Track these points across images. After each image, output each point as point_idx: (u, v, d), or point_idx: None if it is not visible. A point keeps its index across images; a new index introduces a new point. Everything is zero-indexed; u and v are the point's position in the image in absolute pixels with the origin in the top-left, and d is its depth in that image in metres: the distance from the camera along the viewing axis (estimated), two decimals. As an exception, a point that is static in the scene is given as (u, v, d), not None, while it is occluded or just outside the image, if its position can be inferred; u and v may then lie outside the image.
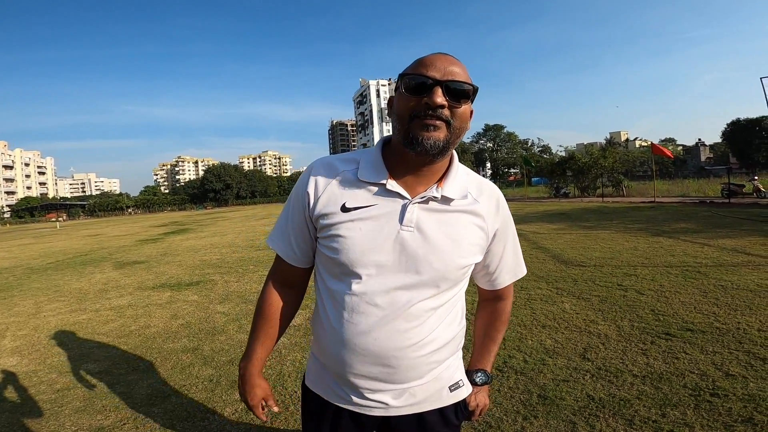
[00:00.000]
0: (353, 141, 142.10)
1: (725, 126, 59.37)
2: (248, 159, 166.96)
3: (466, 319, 1.00)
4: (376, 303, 0.82)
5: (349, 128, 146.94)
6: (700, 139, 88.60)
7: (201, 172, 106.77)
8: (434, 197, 0.84)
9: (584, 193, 25.20)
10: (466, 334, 1.02)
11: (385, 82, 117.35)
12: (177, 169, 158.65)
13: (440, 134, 0.78)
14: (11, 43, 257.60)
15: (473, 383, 1.02)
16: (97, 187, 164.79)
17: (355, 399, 0.89)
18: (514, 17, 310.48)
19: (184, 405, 2.60)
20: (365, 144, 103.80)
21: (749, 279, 4.53)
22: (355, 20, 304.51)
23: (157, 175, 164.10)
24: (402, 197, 0.83)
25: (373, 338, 0.82)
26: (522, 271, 1.03)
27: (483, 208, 0.89)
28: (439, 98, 0.76)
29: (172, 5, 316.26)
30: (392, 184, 0.83)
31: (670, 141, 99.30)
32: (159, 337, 3.90)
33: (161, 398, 2.69)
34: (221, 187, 78.34)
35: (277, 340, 1.02)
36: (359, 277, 0.82)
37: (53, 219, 56.27)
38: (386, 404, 0.88)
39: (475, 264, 0.93)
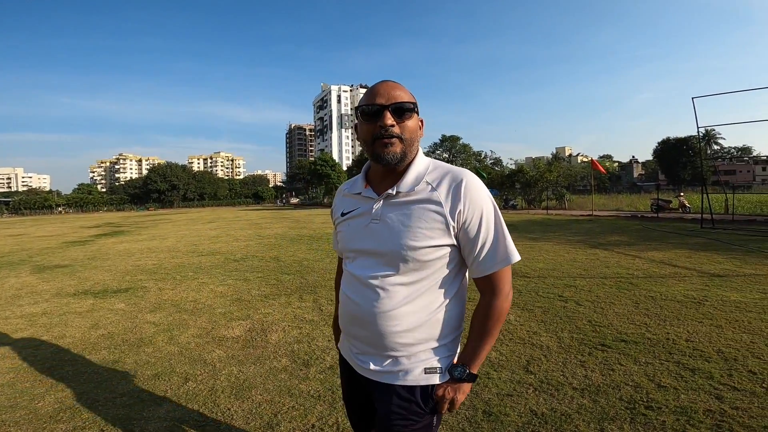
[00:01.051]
0: (311, 146, 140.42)
1: (656, 144, 64.89)
2: (198, 159, 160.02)
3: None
4: (357, 277, 1.07)
5: (308, 133, 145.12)
6: (633, 156, 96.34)
7: (144, 171, 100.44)
8: (390, 193, 1.05)
9: (531, 205, 26.42)
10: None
11: (347, 88, 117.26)
12: (117, 167, 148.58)
13: (396, 148, 1.01)
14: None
15: (451, 377, 1.07)
16: (25, 183, 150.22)
17: (353, 357, 1.14)
18: (476, 33, 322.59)
19: (96, 422, 2.35)
20: (323, 149, 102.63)
21: (676, 290, 4.83)
22: (321, 25, 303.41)
23: (94, 172, 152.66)
24: (371, 199, 1.08)
25: (355, 304, 1.08)
26: (511, 257, 1.03)
27: (441, 194, 1.02)
28: (389, 120, 0.99)
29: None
30: (367, 192, 1.10)
31: (608, 157, 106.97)
32: (74, 348, 3.58)
33: (70, 415, 2.46)
34: (166, 188, 74.06)
35: None
36: (350, 259, 1.13)
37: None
38: (368, 366, 1.08)
39: (456, 249, 1.05)
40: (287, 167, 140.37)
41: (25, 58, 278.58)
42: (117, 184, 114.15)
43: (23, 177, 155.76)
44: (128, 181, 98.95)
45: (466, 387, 1.07)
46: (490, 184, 30.63)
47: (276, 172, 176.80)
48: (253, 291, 5.53)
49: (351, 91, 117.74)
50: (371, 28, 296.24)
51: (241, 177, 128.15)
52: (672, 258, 7.08)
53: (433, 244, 1.00)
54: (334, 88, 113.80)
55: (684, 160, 57.43)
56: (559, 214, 20.82)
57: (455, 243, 1.03)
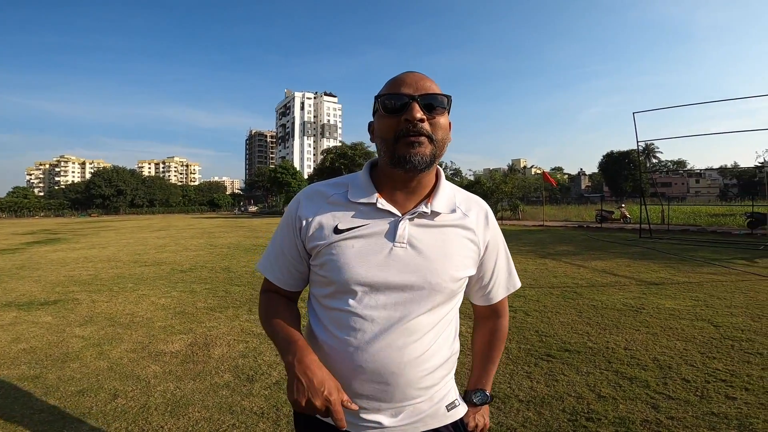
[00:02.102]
0: (272, 153, 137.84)
1: (601, 157, 69.17)
2: (149, 164, 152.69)
3: (460, 340, 1.00)
4: (372, 319, 0.82)
5: (269, 139, 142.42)
6: (581, 169, 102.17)
7: (89, 175, 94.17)
8: (424, 212, 0.86)
9: (487, 215, 27.25)
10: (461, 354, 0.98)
11: (312, 95, 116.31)
12: (58, 169, 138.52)
13: (426, 149, 0.81)
14: None
15: (471, 403, 1.02)
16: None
17: (350, 419, 0.84)
18: (442, 44, 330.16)
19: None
20: (284, 157, 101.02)
21: (616, 298, 5.08)
22: (287, 31, 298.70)
23: (31, 175, 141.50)
24: (393, 215, 0.85)
25: (370, 354, 0.81)
26: (515, 284, 1.02)
27: (473, 221, 0.91)
28: (418, 113, 0.79)
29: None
30: (382, 203, 0.86)
31: (559, 170, 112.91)
32: None
33: None
34: (112, 193, 69.71)
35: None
36: (355, 294, 0.83)
37: None
38: (381, 424, 0.85)
39: (470, 279, 0.94)
40: (246, 174, 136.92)
41: None
42: (57, 188, 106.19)
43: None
44: (69, 185, 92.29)
45: (487, 409, 1.06)
46: (448, 195, 31.37)
47: (234, 179, 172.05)
48: (198, 303, 5.24)
49: (315, 98, 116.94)
50: (338, 36, 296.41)
51: (197, 183, 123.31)
52: (613, 267, 7.48)
53: (469, 274, 0.91)
54: (298, 95, 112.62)
55: (626, 172, 61.55)
56: (513, 224, 21.59)
57: (474, 272, 0.94)
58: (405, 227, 0.85)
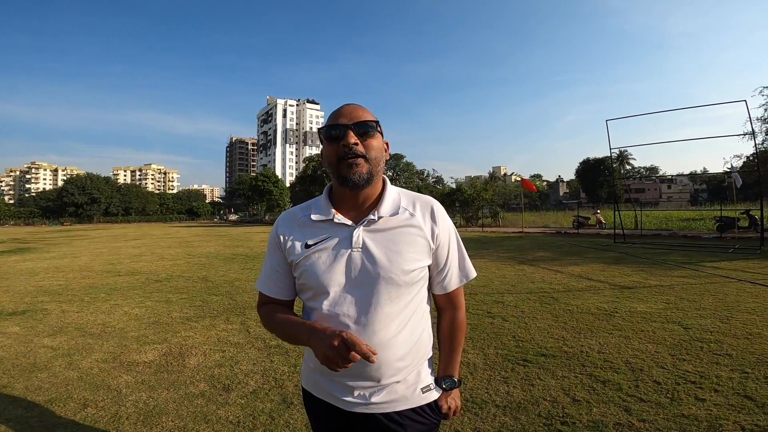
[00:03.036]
0: (253, 160, 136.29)
1: (578, 164, 70.91)
2: (125, 171, 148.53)
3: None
4: (343, 312, 0.99)
5: (250, 147, 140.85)
6: (560, 176, 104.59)
7: (61, 182, 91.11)
8: (372, 219, 1.03)
9: (468, 222, 27.47)
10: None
11: (294, 102, 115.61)
12: (29, 176, 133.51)
13: (362, 168, 0.98)
14: None
15: (442, 389, 1.14)
16: None
17: (342, 397, 1.04)
18: (422, 52, 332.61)
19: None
20: (265, 165, 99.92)
21: (591, 303, 5.20)
22: (267, 37, 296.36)
23: (1, 182, 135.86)
24: (347, 226, 1.03)
25: None
26: (470, 273, 1.15)
27: (418, 219, 1.05)
28: (352, 138, 0.98)
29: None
30: (338, 218, 1.04)
31: (538, 177, 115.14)
32: None
33: None
34: (85, 201, 67.49)
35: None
36: (328, 294, 1.00)
37: None
38: (367, 400, 1.02)
39: (428, 269, 1.09)
40: (227, 182, 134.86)
41: None
42: (27, 195, 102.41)
43: None
44: (41, 192, 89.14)
45: (458, 393, 1.19)
46: (430, 202, 31.55)
47: (214, 187, 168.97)
48: (173, 313, 5.12)
49: (298, 105, 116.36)
50: (319, 43, 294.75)
51: (175, 191, 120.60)
52: (588, 272, 7.65)
53: (420, 266, 1.03)
54: (280, 102, 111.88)
55: (601, 179, 63.27)
56: (493, 231, 21.86)
57: (430, 263, 1.08)
58: (359, 235, 1.02)
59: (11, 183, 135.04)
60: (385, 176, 1.10)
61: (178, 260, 10.91)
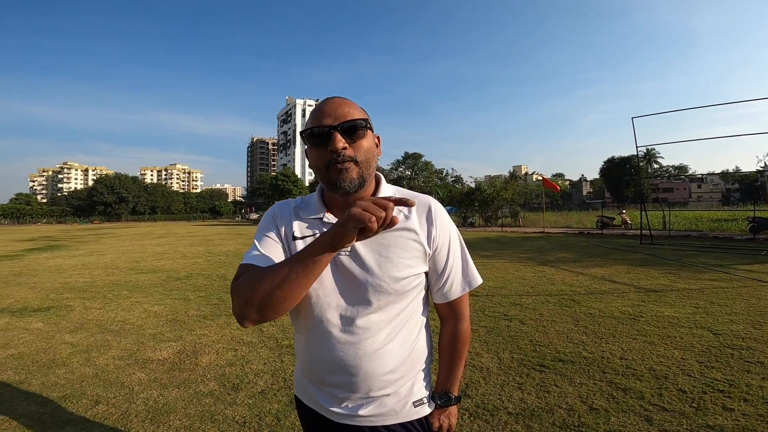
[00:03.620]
0: (274, 160, 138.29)
1: (603, 163, 69.02)
2: (152, 171, 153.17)
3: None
4: (327, 319, 0.92)
5: (270, 147, 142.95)
6: (583, 175, 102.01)
7: (91, 182, 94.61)
8: None
9: (487, 222, 27.10)
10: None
11: (313, 102, 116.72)
12: (61, 176, 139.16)
13: (352, 173, 0.89)
14: None
15: (436, 405, 1.05)
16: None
17: (329, 407, 0.97)
18: (439, 51, 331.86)
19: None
20: (286, 164, 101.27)
21: (614, 306, 5.00)
22: (284, 37, 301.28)
23: (34, 181, 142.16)
24: None
25: (330, 349, 0.92)
26: (475, 280, 1.04)
27: (413, 221, 0.96)
28: (339, 143, 0.87)
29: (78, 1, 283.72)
30: (328, 217, 0.96)
31: (560, 176, 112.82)
32: None
33: None
34: (114, 200, 69.97)
35: None
36: (311, 297, 0.92)
37: None
38: (354, 412, 0.95)
39: (426, 275, 1.00)
40: (248, 181, 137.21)
41: None
42: (60, 194, 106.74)
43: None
44: (72, 192, 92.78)
45: (455, 410, 1.09)
46: (449, 202, 31.30)
47: (236, 187, 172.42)
48: (191, 311, 5.19)
49: (317, 105, 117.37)
50: (336, 43, 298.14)
51: (198, 191, 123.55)
52: (612, 274, 7.39)
53: (413, 273, 0.95)
54: (299, 102, 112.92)
55: (627, 178, 61.31)
56: (513, 231, 21.48)
57: (427, 269, 0.99)
58: None
59: (44, 182, 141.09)
60: (379, 173, 1.02)
61: (198, 258, 11.12)
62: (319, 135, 0.89)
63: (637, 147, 13.43)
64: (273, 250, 0.95)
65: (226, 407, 2.63)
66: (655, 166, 72.42)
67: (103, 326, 4.55)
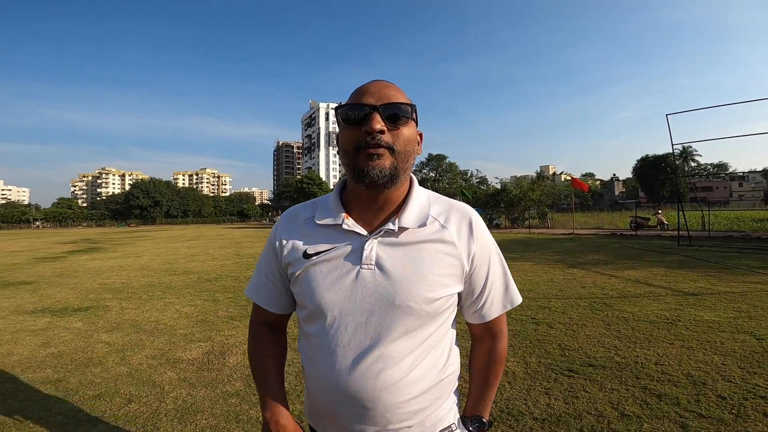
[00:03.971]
0: (299, 164, 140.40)
1: (636, 162, 66.51)
2: (184, 175, 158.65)
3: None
4: (343, 344, 0.80)
5: (296, 150, 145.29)
6: (615, 174, 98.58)
7: (128, 187, 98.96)
8: (391, 230, 0.82)
9: (514, 224, 26.59)
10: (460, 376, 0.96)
11: (336, 105, 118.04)
12: (100, 181, 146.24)
13: (385, 162, 0.77)
14: None
15: (468, 430, 0.95)
16: (4, 196, 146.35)
17: None
18: (463, 52, 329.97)
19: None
20: (310, 167, 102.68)
21: (649, 310, 4.80)
22: (306, 42, 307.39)
23: (75, 186, 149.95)
24: (359, 235, 0.82)
25: (345, 380, 0.79)
26: (514, 299, 0.92)
27: (452, 234, 0.84)
28: (378, 124, 0.76)
29: (109, 7, 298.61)
30: (348, 224, 0.83)
31: (590, 175, 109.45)
32: (19, 366, 3.52)
33: None
34: (149, 204, 72.85)
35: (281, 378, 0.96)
36: (325, 319, 0.81)
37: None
38: None
39: (459, 295, 0.87)
40: (274, 185, 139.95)
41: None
42: (99, 199, 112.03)
43: (2, 189, 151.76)
44: (110, 196, 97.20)
45: None
46: (474, 204, 30.93)
47: (263, 190, 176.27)
48: (219, 312, 5.33)
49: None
50: (357, 46, 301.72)
51: (227, 194, 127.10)
52: (647, 277, 7.09)
53: (447, 294, 0.82)
54: (322, 106, 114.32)
55: (662, 177, 58.81)
56: (541, 232, 20.98)
57: (461, 289, 0.87)
58: (372, 248, 0.81)
59: (84, 187, 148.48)
60: (413, 176, 0.89)
61: (227, 260, 11.41)
62: (355, 114, 0.78)
63: (672, 145, 12.83)
64: (267, 287, 0.93)
65: (250, 407, 2.68)
66: (693, 164, 69.20)
67: (137, 326, 4.72)
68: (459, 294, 0.87)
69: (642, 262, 9.04)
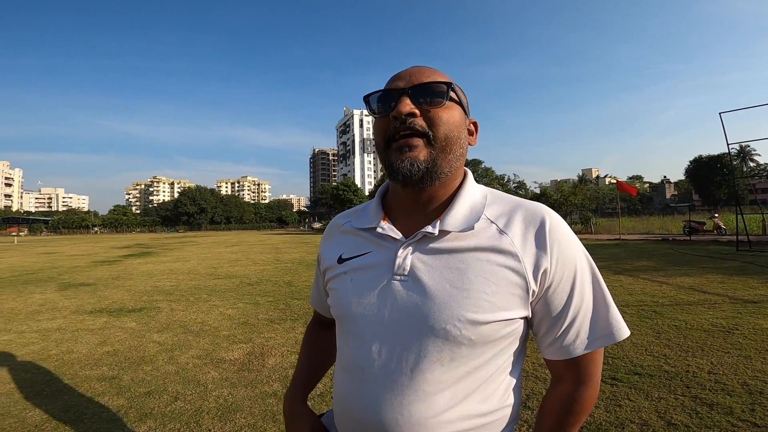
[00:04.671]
0: (334, 171, 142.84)
1: (688, 163, 62.54)
2: (227, 183, 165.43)
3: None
4: (370, 366, 0.66)
5: (331, 157, 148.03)
6: (665, 176, 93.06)
7: (176, 194, 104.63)
8: (430, 233, 0.67)
9: (555, 228, 25.72)
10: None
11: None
12: (151, 189, 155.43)
13: (419, 153, 0.64)
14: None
15: None
16: (65, 203, 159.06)
17: None
18: (493, 54, 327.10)
19: (76, 435, 2.39)
20: (346, 174, 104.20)
21: (704, 318, 4.50)
22: (336, 48, 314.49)
23: (129, 194, 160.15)
24: (393, 240, 0.70)
25: (365, 407, 0.66)
26: (616, 333, 0.67)
27: (514, 241, 0.66)
28: (406, 106, 0.64)
29: (156, 20, 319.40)
30: (384, 227, 0.71)
31: (638, 178, 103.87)
32: (78, 363, 3.70)
33: (54, 426, 2.55)
34: (195, 211, 76.68)
35: (323, 370, 0.95)
36: (353, 335, 0.70)
37: (14, 233, 53.71)
38: None
39: (527, 320, 0.68)
40: (311, 192, 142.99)
41: (59, 76, 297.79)
42: (150, 206, 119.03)
43: (63, 197, 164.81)
44: (161, 203, 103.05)
45: None
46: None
47: (300, 197, 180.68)
48: (260, 315, 5.51)
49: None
50: (387, 53, 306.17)
51: (267, 201, 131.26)
52: (702, 284, 6.65)
53: (504, 318, 0.64)
54: (356, 112, 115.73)
55: (718, 178, 54.90)
56: (584, 238, 20.14)
57: (530, 314, 0.68)
58: (406, 255, 0.68)
59: (137, 195, 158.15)
60: (468, 170, 0.74)
61: (267, 265, 11.78)
62: (384, 99, 0.67)
63: (728, 144, 11.98)
64: (317, 289, 0.93)
65: (287, 407, 2.75)
66: (752, 164, 64.16)
67: (185, 327, 4.95)
68: (527, 319, 0.68)
69: (696, 268, 8.48)
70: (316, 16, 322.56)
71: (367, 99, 0.70)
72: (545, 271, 0.65)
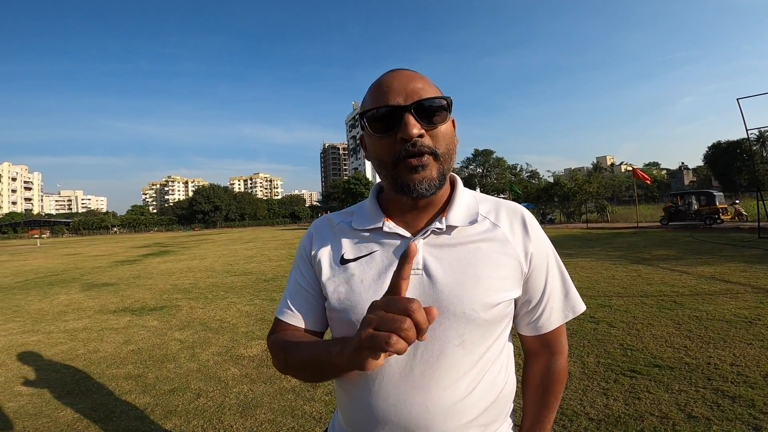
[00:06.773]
0: (345, 165, 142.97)
1: (707, 149, 60.87)
2: (239, 180, 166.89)
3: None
4: (389, 363, 0.69)
5: (341, 152, 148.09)
6: (683, 163, 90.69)
7: (191, 193, 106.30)
8: (439, 229, 0.73)
9: (570, 219, 25.36)
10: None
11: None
12: (167, 189, 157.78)
13: (432, 172, 0.69)
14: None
15: None
16: (84, 205, 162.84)
17: None
18: (503, 44, 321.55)
19: (108, 432, 2.48)
20: (356, 168, 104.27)
21: (726, 309, 4.42)
22: (345, 44, 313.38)
23: (146, 194, 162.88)
24: (402, 237, 0.74)
25: (391, 405, 0.69)
26: (577, 307, 0.80)
27: (505, 231, 0.75)
28: (414, 128, 0.66)
29: (165, 22, 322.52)
30: (390, 226, 0.75)
31: (654, 165, 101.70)
32: (104, 362, 3.80)
33: (85, 425, 2.61)
34: (210, 209, 77.90)
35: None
36: None
37: (36, 236, 55.32)
38: None
39: (515, 302, 0.78)
40: (322, 186, 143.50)
41: (75, 81, 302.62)
42: (166, 205, 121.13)
43: (83, 199, 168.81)
44: (176, 202, 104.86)
45: None
46: (525, 198, 29.89)
47: (312, 192, 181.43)
48: (277, 310, 5.60)
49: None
50: (395, 45, 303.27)
51: (279, 197, 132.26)
52: (724, 273, 6.51)
53: (507, 298, 0.72)
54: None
55: (738, 164, 53.28)
56: (600, 227, 19.85)
57: (521, 292, 0.77)
58: (418, 250, 0.72)
59: (153, 195, 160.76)
60: (454, 174, 0.81)
61: (282, 261, 11.91)
62: (384, 118, 0.68)
63: (747, 130, 11.64)
64: (301, 296, 0.80)
65: (305, 403, 2.79)
66: (772, 149, 62.04)
67: (205, 324, 5.05)
68: (515, 301, 0.78)
69: (717, 257, 8.30)
70: (325, 13, 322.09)
71: (362, 117, 0.71)
72: (531, 254, 0.76)
